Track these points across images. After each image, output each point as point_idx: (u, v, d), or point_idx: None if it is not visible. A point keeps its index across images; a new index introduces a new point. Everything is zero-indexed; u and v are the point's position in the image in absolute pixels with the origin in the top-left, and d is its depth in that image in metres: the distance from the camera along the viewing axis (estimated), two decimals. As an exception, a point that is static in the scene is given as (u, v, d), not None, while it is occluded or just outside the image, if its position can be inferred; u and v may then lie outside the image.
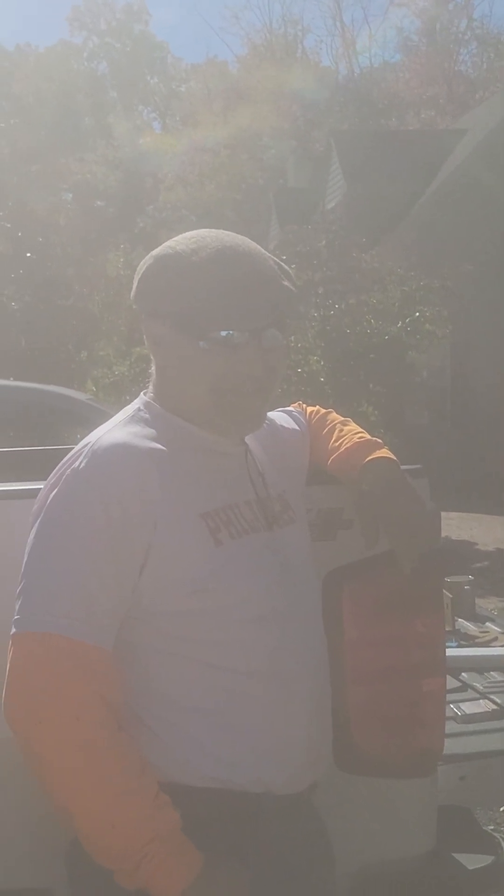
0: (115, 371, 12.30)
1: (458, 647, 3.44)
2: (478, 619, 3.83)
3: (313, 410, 2.17)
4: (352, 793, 2.04)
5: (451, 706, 2.84)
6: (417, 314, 12.58)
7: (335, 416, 2.13)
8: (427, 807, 2.17)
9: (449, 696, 2.65)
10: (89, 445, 1.67)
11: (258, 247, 1.75)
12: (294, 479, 1.96)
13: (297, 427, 2.08)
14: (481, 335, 17.38)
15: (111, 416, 1.79)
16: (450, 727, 2.48)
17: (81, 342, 15.09)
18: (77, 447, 1.69)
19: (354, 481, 1.93)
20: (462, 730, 2.77)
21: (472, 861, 2.25)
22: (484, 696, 2.99)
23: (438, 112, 36.32)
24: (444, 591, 3.41)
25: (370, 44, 44.19)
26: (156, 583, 1.63)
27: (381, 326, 12.43)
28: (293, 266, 12.08)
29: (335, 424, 2.08)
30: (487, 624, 3.76)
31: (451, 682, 3.00)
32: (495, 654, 3.37)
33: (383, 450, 1.96)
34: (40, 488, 1.69)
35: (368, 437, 2.01)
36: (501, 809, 3.81)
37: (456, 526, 12.59)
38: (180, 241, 1.73)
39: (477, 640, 3.55)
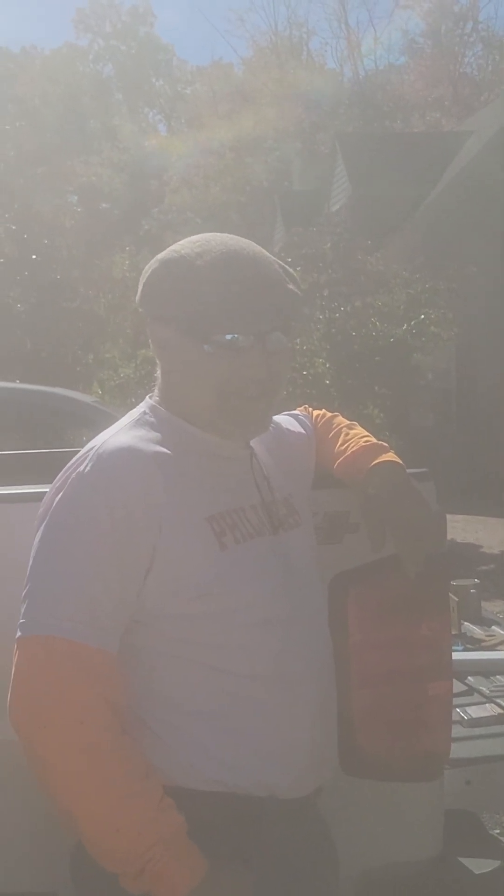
0: (121, 373, 12.32)
1: (463, 650, 3.43)
2: (484, 622, 3.82)
3: (319, 414, 2.16)
4: (357, 796, 2.04)
5: (458, 710, 2.83)
6: (423, 316, 12.59)
7: (341, 419, 2.13)
8: (433, 811, 2.16)
9: (455, 700, 2.64)
10: (94, 449, 1.67)
11: (263, 250, 1.75)
12: (300, 482, 1.96)
13: (302, 431, 2.08)
14: (486, 337, 17.36)
15: (116, 419, 1.79)
16: (456, 731, 2.47)
17: (87, 344, 15.10)
18: (82, 451, 1.69)
19: (360, 485, 1.93)
20: (468, 734, 2.76)
21: (479, 865, 2.24)
22: (490, 699, 2.98)
23: (444, 114, 36.34)
24: (450, 594, 3.41)
25: (375, 46, 44.11)
26: (160, 586, 1.62)
27: (387, 329, 12.44)
28: (298, 268, 12.10)
29: (341, 428, 2.08)
30: (493, 627, 3.75)
31: (457, 686, 2.99)
32: (501, 657, 3.36)
33: (389, 453, 1.96)
34: (45, 491, 1.69)
35: (374, 440, 2.01)
36: (507, 813, 3.79)
37: (461, 529, 12.58)
38: (185, 245, 1.73)
39: (483, 644, 3.54)
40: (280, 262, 1.76)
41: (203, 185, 31.34)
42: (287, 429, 2.05)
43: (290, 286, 1.73)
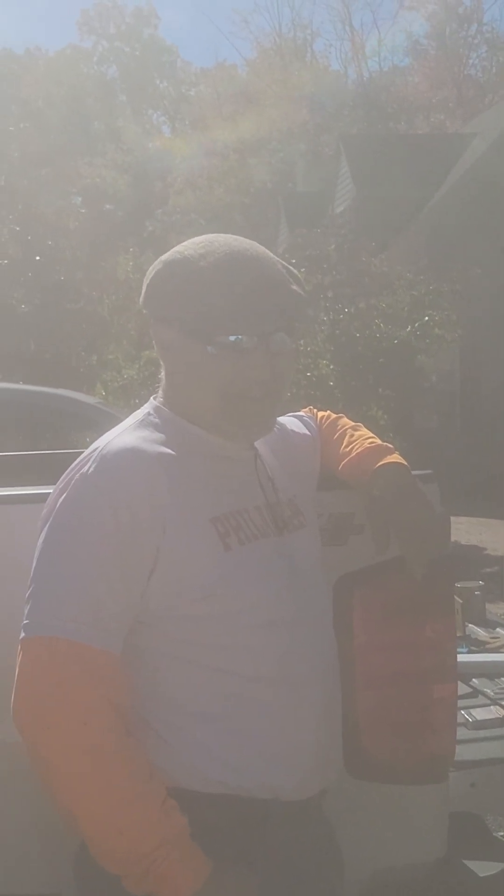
0: (125, 375, 12.32)
1: (468, 652, 3.42)
2: (488, 624, 3.81)
3: (324, 415, 2.16)
4: (362, 799, 2.03)
5: (462, 712, 2.82)
6: (427, 318, 12.59)
7: (346, 420, 2.13)
8: (438, 813, 2.15)
9: (460, 703, 2.63)
10: (98, 450, 1.66)
11: (266, 251, 1.75)
12: (304, 483, 1.95)
13: (307, 432, 2.08)
14: (490, 339, 17.35)
15: (120, 420, 1.79)
16: (461, 733, 2.46)
17: (91, 346, 15.11)
18: (86, 452, 1.69)
19: (365, 486, 1.92)
20: (473, 736, 2.75)
21: (483, 868, 2.24)
22: (495, 702, 2.98)
23: (448, 116, 36.37)
24: (455, 596, 3.40)
25: (379, 47, 44.16)
26: (164, 587, 1.62)
27: (391, 330, 12.44)
28: (302, 270, 12.11)
29: (346, 429, 2.07)
30: (498, 629, 3.75)
31: (462, 688, 2.99)
32: (506, 659, 3.35)
33: (394, 455, 1.95)
34: (49, 493, 1.69)
35: (379, 442, 2.01)
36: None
37: (465, 531, 12.56)
38: (189, 246, 1.73)
39: (487, 646, 3.54)
40: (284, 263, 1.76)
41: (207, 186, 31.37)
42: (292, 430, 2.04)
43: (294, 287, 1.72)
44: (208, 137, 36.23)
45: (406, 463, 1.94)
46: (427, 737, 2.01)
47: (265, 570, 1.70)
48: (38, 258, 16.50)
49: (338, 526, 2.00)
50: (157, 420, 1.75)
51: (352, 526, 2.00)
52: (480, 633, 3.68)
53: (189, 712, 1.66)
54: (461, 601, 3.76)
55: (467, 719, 2.82)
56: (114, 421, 1.84)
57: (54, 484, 1.69)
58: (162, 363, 1.79)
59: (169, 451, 1.68)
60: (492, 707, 2.94)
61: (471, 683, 3.13)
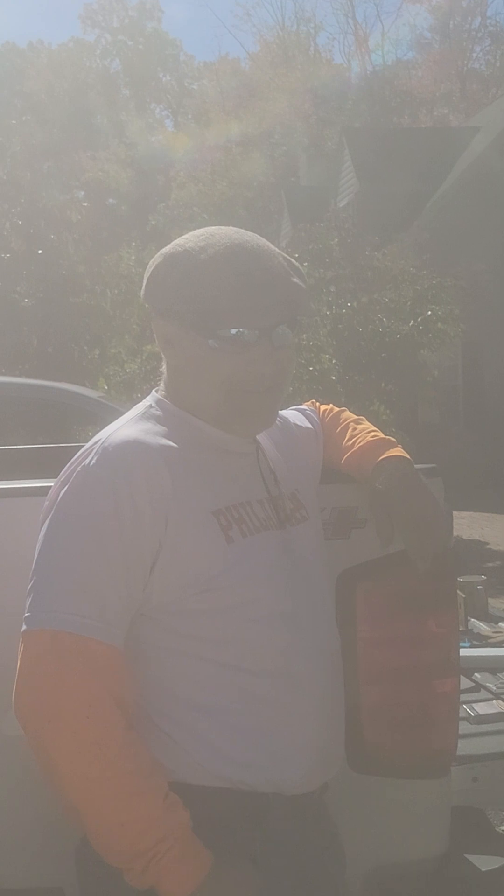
0: (127, 369, 12.29)
1: (470, 647, 3.42)
2: (490, 618, 3.81)
3: (327, 409, 2.15)
4: (364, 794, 2.03)
5: (464, 707, 2.81)
6: (429, 313, 12.56)
7: (348, 414, 2.12)
8: (440, 808, 2.15)
9: (462, 697, 2.63)
10: (100, 442, 1.66)
11: (268, 243, 1.74)
12: (307, 477, 1.95)
13: (310, 425, 2.07)
14: (493, 334, 17.35)
15: (122, 414, 1.79)
16: (463, 728, 2.46)
17: (93, 340, 15.08)
18: (88, 444, 1.68)
19: (368, 480, 1.92)
20: (475, 730, 2.74)
21: (485, 862, 2.24)
22: (497, 696, 2.97)
23: (451, 109, 36.31)
24: (457, 590, 3.40)
25: (383, 41, 44.19)
26: (166, 580, 1.62)
27: (393, 325, 12.42)
28: (305, 264, 12.08)
29: (348, 423, 2.07)
30: (500, 624, 3.74)
31: (464, 683, 2.98)
32: (508, 654, 3.35)
33: (397, 448, 1.95)
34: (50, 486, 1.68)
35: (382, 435, 2.00)
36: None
37: (467, 525, 12.58)
38: (189, 239, 1.72)
39: (490, 640, 3.53)
40: (285, 255, 1.75)
41: (210, 180, 31.31)
42: (294, 423, 2.04)
43: (295, 279, 1.71)
44: (211, 131, 36.20)
45: (409, 456, 1.94)
46: (429, 731, 2.01)
47: (267, 562, 1.70)
48: (40, 252, 16.46)
49: (341, 520, 2.00)
50: (158, 413, 1.74)
51: (355, 520, 2.00)
52: (483, 627, 3.67)
53: (190, 706, 1.66)
54: (464, 595, 3.75)
55: (469, 714, 2.82)
56: (116, 415, 1.83)
57: (56, 477, 1.69)
58: (164, 357, 1.78)
59: (171, 443, 1.67)
60: (494, 701, 2.93)
61: (473, 678, 3.12)
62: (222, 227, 1.75)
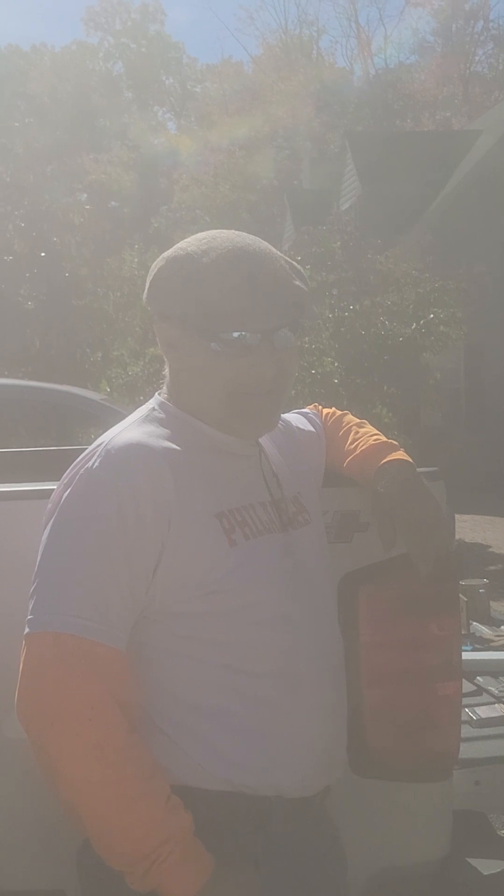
0: (129, 371, 12.31)
1: (472, 650, 3.41)
2: (492, 622, 3.80)
3: (329, 412, 2.15)
4: (366, 797, 2.03)
5: (466, 710, 2.81)
6: (432, 316, 12.57)
7: (351, 417, 2.12)
8: (442, 812, 2.15)
9: (464, 700, 2.63)
10: (103, 445, 1.66)
11: (270, 246, 1.74)
12: (309, 480, 1.95)
13: (312, 429, 2.07)
14: (495, 337, 17.34)
15: (125, 417, 1.79)
16: (465, 731, 2.45)
17: (96, 342, 15.10)
18: (91, 446, 1.68)
19: (370, 483, 1.92)
20: (477, 734, 2.74)
21: (487, 866, 2.24)
22: (499, 700, 2.97)
23: (454, 113, 36.33)
24: (459, 594, 3.40)
25: (386, 45, 44.16)
26: (169, 583, 1.62)
27: (396, 328, 12.42)
28: (308, 267, 12.09)
29: (351, 426, 2.07)
30: (502, 627, 3.74)
31: (466, 686, 2.98)
32: (510, 657, 3.35)
33: (399, 452, 1.95)
34: (53, 489, 1.68)
35: (384, 439, 2.00)
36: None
37: (469, 528, 12.57)
38: (191, 243, 1.72)
39: (492, 644, 3.53)
40: (287, 258, 1.75)
41: (212, 183, 31.33)
42: (297, 427, 2.04)
43: (297, 282, 1.71)
44: (214, 134, 36.23)
45: (411, 460, 1.94)
46: (431, 735, 2.00)
47: (270, 565, 1.70)
48: (43, 254, 16.50)
49: (343, 523, 2.00)
50: (161, 415, 1.74)
51: (357, 523, 2.00)
52: (485, 630, 3.67)
53: (192, 708, 1.66)
54: (466, 599, 3.75)
55: (471, 717, 2.81)
56: (118, 418, 1.84)
57: (59, 480, 1.69)
58: (166, 360, 1.78)
59: (174, 446, 1.67)
60: (496, 705, 2.93)
61: (475, 681, 3.12)
62: (224, 231, 1.75)
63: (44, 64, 46.00)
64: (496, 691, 3.04)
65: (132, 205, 34.94)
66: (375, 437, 2.01)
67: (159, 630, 1.65)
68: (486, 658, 3.32)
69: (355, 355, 12.11)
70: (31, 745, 1.56)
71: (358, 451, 1.98)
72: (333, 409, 2.18)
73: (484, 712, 2.85)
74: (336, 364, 11.52)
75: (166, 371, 1.80)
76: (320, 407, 2.19)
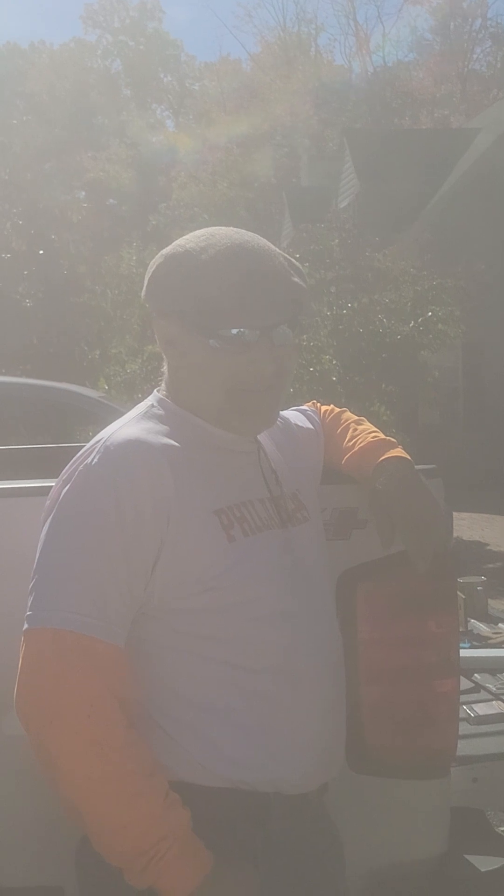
0: (128, 369, 12.29)
1: (470, 647, 3.42)
2: (490, 619, 3.81)
3: (327, 409, 2.16)
4: (364, 794, 2.03)
5: (464, 707, 2.82)
6: (430, 314, 12.56)
7: (349, 414, 2.12)
8: (440, 808, 2.15)
9: (462, 698, 2.63)
10: (102, 441, 1.66)
11: (268, 243, 1.74)
12: (308, 477, 1.95)
13: (311, 426, 2.07)
14: (494, 335, 17.35)
15: (123, 414, 1.79)
16: (462, 728, 2.46)
17: (94, 340, 15.09)
18: (90, 443, 1.68)
19: (368, 481, 1.92)
20: (475, 731, 2.74)
21: (485, 863, 2.24)
22: (497, 697, 2.97)
23: (452, 111, 36.32)
24: (457, 591, 3.40)
25: (384, 42, 44.24)
26: (168, 579, 1.62)
27: (394, 326, 12.41)
28: (306, 265, 12.06)
29: (349, 423, 2.07)
30: (500, 625, 3.74)
31: (464, 684, 2.98)
32: (508, 655, 3.35)
33: (397, 449, 1.95)
34: (52, 486, 1.68)
35: (382, 436, 2.00)
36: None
37: (467, 526, 12.58)
38: (190, 240, 1.72)
39: (489, 641, 3.53)
40: (286, 255, 1.75)
41: (211, 180, 31.31)
42: (296, 424, 2.04)
43: (296, 279, 1.72)
44: (212, 132, 36.21)
45: (409, 457, 1.94)
46: (429, 732, 2.00)
47: (269, 561, 1.70)
48: (41, 252, 16.50)
49: (341, 520, 2.00)
50: (160, 412, 1.74)
51: (355, 520, 2.00)
52: (483, 628, 3.67)
53: (192, 705, 1.66)
54: (464, 596, 3.76)
55: (469, 714, 2.82)
56: (116, 415, 1.83)
57: (57, 477, 1.69)
58: (165, 357, 1.78)
59: (173, 442, 1.67)
60: (493, 702, 2.93)
61: (473, 679, 3.12)
62: (223, 228, 1.75)
63: (42, 62, 45.97)
64: (494, 688, 3.04)
65: (130, 202, 34.91)
66: (374, 434, 2.01)
67: (158, 626, 1.65)
68: (483, 655, 3.32)
69: (353, 353, 12.10)
70: (30, 741, 1.56)
71: (356, 448, 1.98)
72: (332, 406, 2.18)
73: (482, 709, 2.86)
74: (334, 362, 11.51)
75: (165, 368, 1.80)
76: (319, 404, 2.19)
